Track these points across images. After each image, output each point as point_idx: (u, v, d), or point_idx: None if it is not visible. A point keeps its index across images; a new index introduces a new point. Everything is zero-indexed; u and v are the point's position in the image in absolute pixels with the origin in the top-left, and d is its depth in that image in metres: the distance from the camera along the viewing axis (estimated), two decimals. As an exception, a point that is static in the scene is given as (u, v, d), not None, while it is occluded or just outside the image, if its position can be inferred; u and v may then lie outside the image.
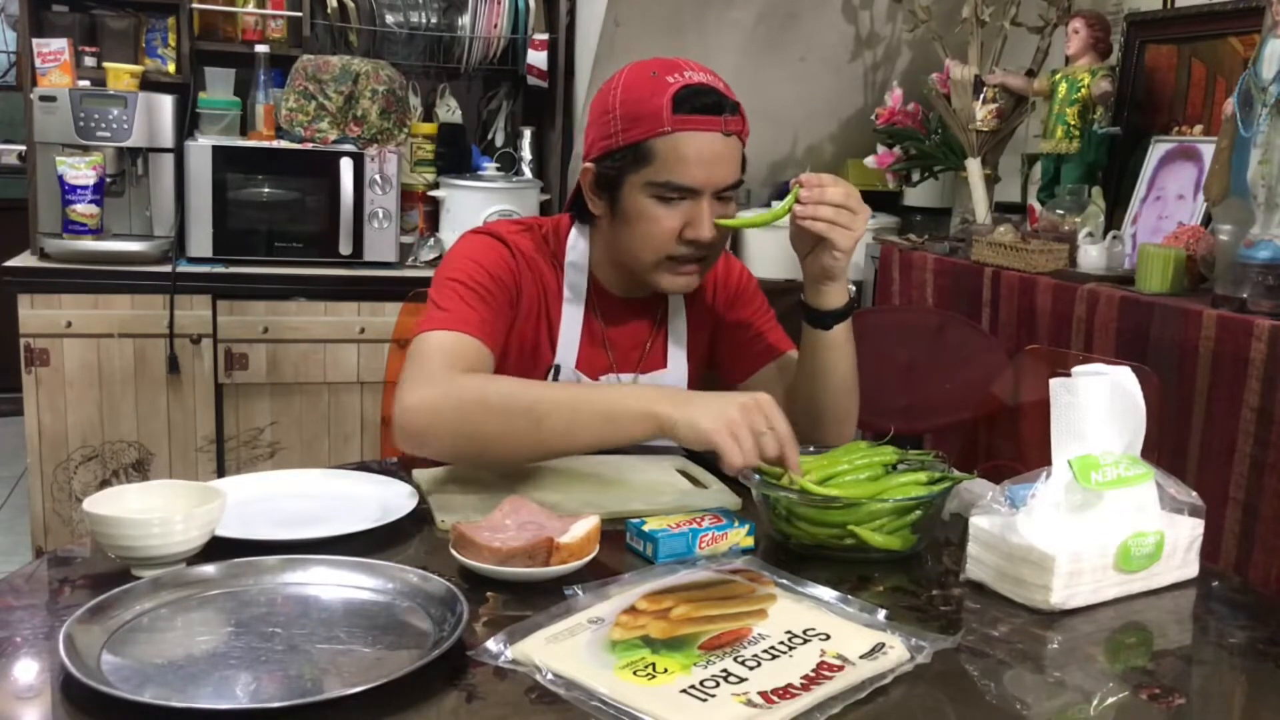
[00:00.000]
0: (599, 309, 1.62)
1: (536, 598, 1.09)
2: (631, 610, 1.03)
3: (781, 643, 0.99)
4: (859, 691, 0.93)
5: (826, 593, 1.11)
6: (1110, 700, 0.98)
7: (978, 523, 1.19)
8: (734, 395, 1.31)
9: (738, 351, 1.71)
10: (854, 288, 1.64)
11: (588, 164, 1.54)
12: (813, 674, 0.94)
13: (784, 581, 1.13)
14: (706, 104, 1.45)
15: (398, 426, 1.38)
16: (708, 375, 1.76)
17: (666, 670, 0.94)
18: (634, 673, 0.93)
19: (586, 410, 1.35)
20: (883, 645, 0.99)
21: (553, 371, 1.59)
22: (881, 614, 1.07)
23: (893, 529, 1.25)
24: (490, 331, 1.48)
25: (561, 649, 0.97)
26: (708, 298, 1.70)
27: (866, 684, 0.94)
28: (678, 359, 1.68)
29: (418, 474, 1.45)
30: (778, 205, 1.49)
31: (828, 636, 1.01)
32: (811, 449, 1.37)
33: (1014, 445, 2.12)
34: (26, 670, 0.95)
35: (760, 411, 1.29)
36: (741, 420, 1.27)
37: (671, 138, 1.44)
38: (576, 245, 1.61)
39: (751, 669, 0.95)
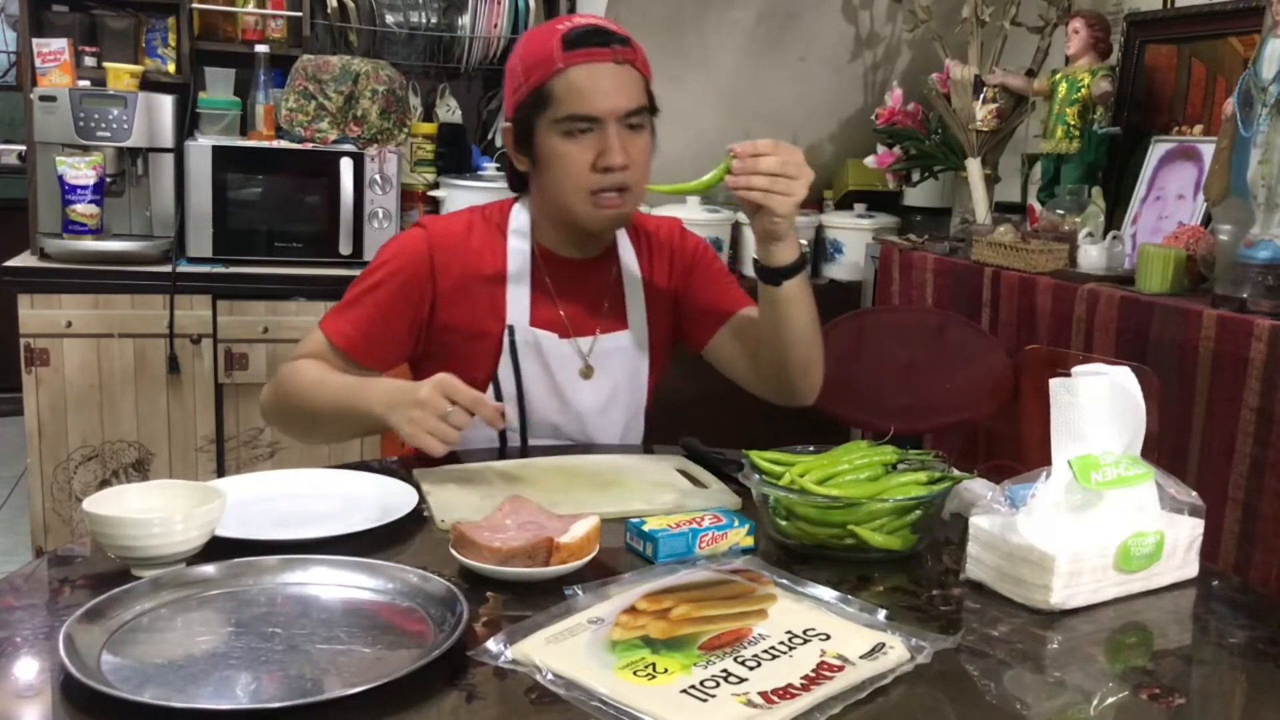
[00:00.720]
0: (548, 273, 1.67)
1: (536, 598, 1.09)
2: (631, 610, 1.03)
3: (781, 643, 0.99)
4: (859, 691, 0.93)
5: (826, 593, 1.11)
6: (1110, 700, 0.98)
7: (978, 523, 1.19)
8: (414, 390, 1.41)
9: (696, 320, 1.75)
10: (805, 242, 1.63)
11: (506, 124, 1.63)
12: (813, 674, 0.94)
13: (784, 581, 1.13)
14: (594, 40, 1.55)
15: (264, 418, 1.70)
16: (679, 346, 1.79)
17: (666, 670, 0.94)
18: (634, 673, 0.93)
19: (344, 412, 1.52)
20: (883, 645, 0.99)
21: (507, 332, 1.64)
22: (882, 614, 1.07)
23: (893, 529, 1.25)
24: (356, 338, 1.61)
25: (561, 649, 0.97)
26: (665, 268, 1.75)
27: (866, 684, 0.94)
28: (638, 321, 1.71)
29: (418, 474, 1.45)
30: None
31: (828, 636, 1.01)
32: (812, 449, 1.37)
33: (1014, 445, 2.12)
34: (26, 670, 0.95)
35: (438, 393, 1.39)
36: (424, 415, 1.39)
37: (565, 74, 1.54)
38: (519, 216, 1.68)
39: (751, 669, 0.95)
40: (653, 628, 1.00)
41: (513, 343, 1.63)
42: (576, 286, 1.68)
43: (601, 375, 1.68)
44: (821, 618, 1.05)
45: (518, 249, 1.66)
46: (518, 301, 1.64)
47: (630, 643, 0.98)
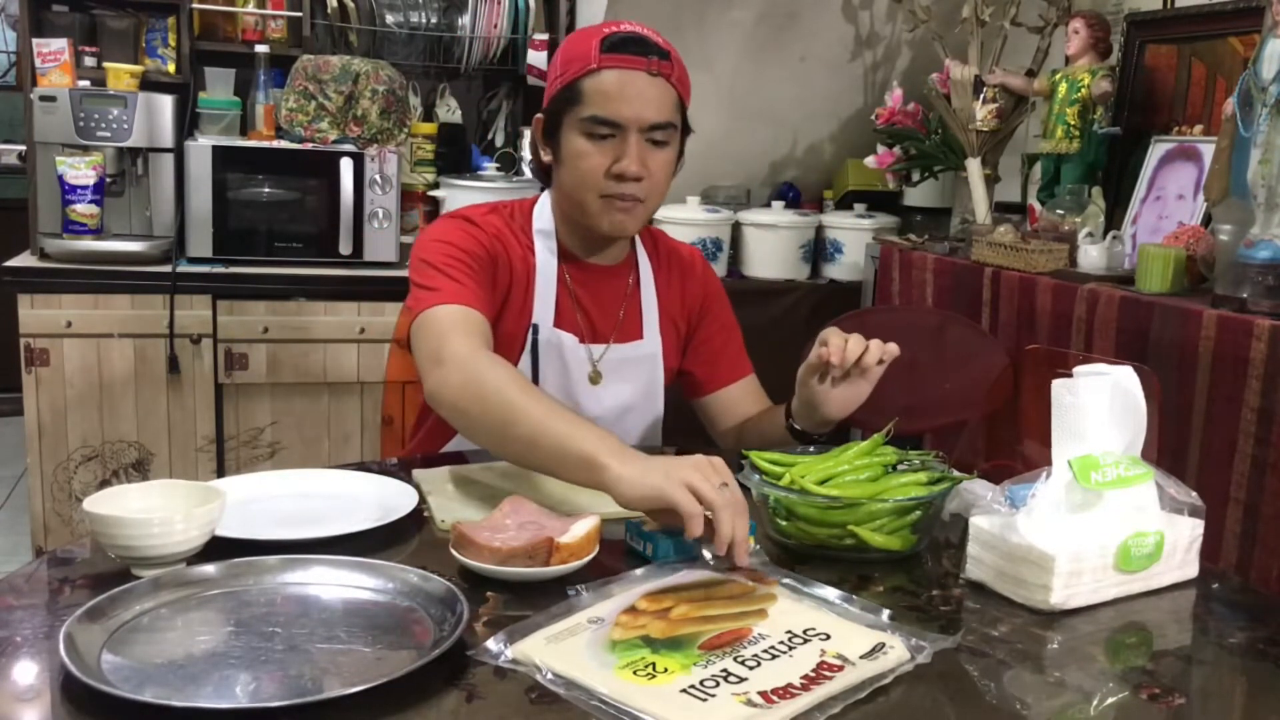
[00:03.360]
0: (569, 273, 1.67)
1: (536, 598, 1.09)
2: (631, 610, 1.03)
3: (781, 643, 0.99)
4: (859, 691, 0.93)
5: (827, 592, 1.11)
6: (1110, 700, 0.98)
7: (978, 523, 1.19)
8: (683, 458, 1.21)
9: (698, 369, 1.77)
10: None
11: (539, 115, 1.63)
12: (813, 674, 0.94)
13: (784, 581, 1.13)
14: (633, 48, 1.55)
15: (435, 403, 1.42)
16: (674, 386, 1.80)
17: (666, 670, 0.94)
18: (634, 672, 0.93)
19: (544, 439, 1.30)
20: (883, 645, 0.99)
21: (531, 330, 1.63)
22: (884, 614, 1.07)
23: (893, 529, 1.25)
24: (482, 301, 1.54)
25: (561, 649, 0.97)
26: (680, 293, 1.76)
27: (866, 684, 0.94)
28: (653, 333, 1.72)
29: (418, 474, 1.45)
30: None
31: (828, 636, 1.01)
32: (812, 449, 1.37)
33: (1014, 445, 2.12)
34: (26, 670, 0.95)
35: (713, 469, 1.18)
36: (698, 477, 1.16)
37: (598, 75, 1.53)
38: (543, 213, 1.67)
39: (751, 669, 0.95)
40: (653, 627, 1.00)
41: (535, 341, 1.63)
42: (596, 289, 1.68)
43: (611, 384, 1.68)
44: (822, 618, 1.05)
45: (545, 246, 1.66)
46: (544, 298, 1.64)
47: (630, 642, 0.98)
